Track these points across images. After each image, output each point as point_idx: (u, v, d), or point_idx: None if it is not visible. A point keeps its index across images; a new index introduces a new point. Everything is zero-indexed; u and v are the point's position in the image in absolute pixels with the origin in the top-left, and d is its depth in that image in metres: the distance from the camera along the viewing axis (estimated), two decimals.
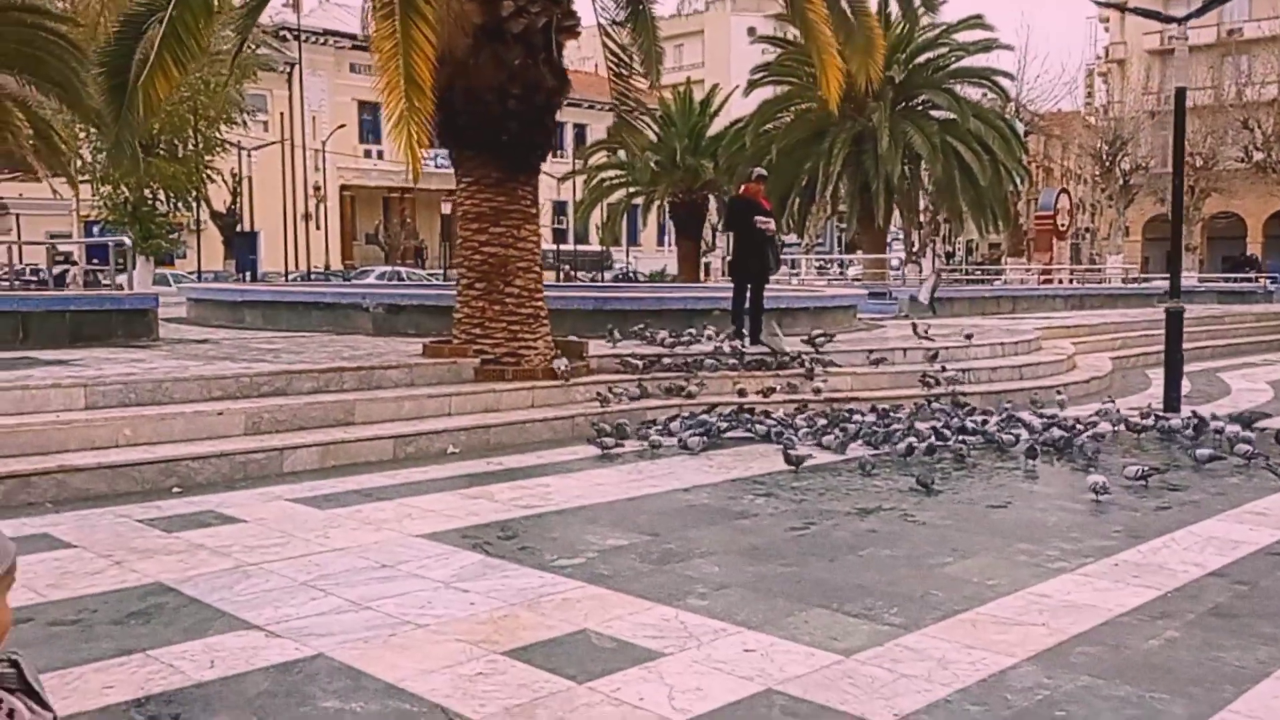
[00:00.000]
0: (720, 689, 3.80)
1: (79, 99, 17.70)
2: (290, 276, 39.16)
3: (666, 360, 10.81)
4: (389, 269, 41.56)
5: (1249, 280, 34.50)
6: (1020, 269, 37.46)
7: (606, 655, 4.12)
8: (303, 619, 4.51)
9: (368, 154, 54.50)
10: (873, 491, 7.28)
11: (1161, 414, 10.13)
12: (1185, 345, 19.20)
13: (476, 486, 7.22)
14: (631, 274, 40.23)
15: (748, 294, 11.74)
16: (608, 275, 41.26)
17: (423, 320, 13.04)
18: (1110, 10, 58.51)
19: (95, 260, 33.01)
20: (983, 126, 27.64)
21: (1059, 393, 12.08)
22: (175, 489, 7.01)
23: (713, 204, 34.93)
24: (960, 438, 8.73)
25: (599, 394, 9.81)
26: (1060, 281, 35.68)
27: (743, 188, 12.17)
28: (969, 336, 13.29)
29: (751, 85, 31.03)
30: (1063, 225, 36.67)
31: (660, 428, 9.02)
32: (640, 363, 10.65)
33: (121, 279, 27.13)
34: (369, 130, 54.62)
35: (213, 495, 6.84)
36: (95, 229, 39.78)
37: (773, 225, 11.79)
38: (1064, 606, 4.77)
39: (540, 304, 10.35)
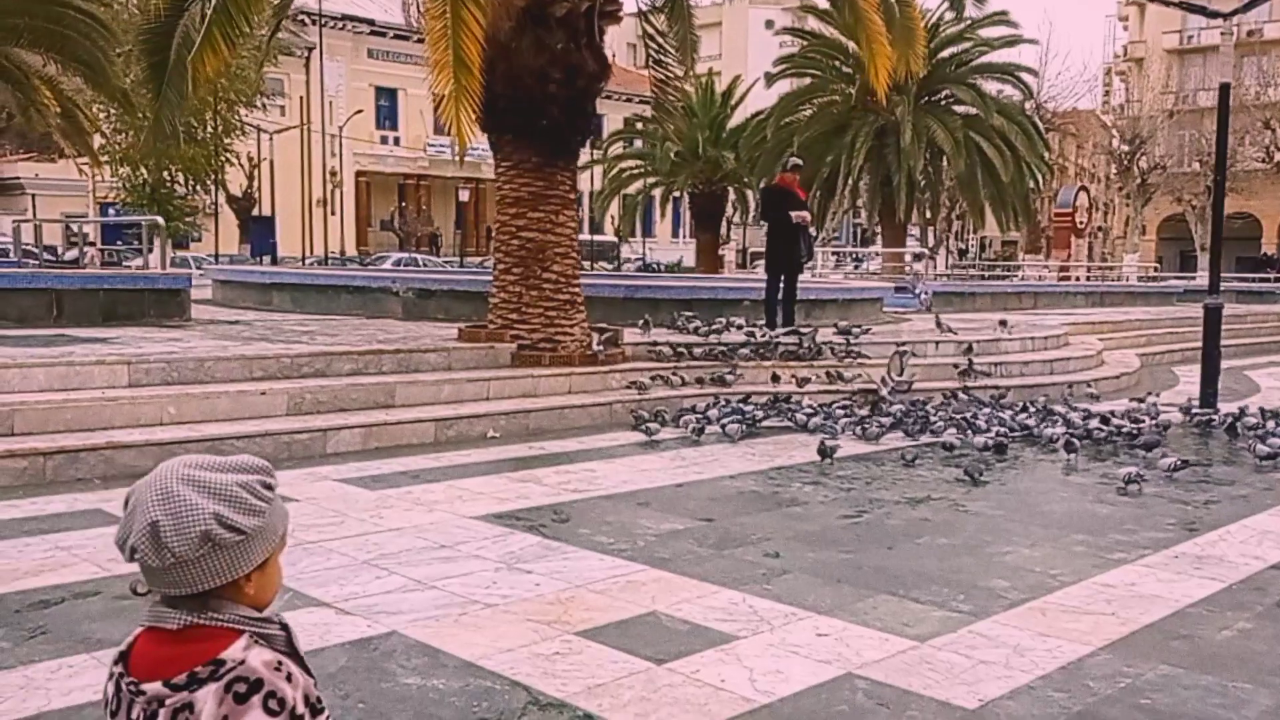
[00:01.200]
0: (800, 672, 3.79)
1: (106, 78, 17.71)
2: (306, 262, 39.18)
3: (700, 349, 10.78)
4: (405, 255, 41.52)
5: (1267, 280, 34.28)
6: (1038, 265, 37.35)
7: (680, 637, 4.11)
8: (370, 597, 4.50)
9: (384, 140, 54.43)
10: (919, 481, 7.25)
11: (1201, 410, 10.06)
12: (1200, 344, 19.21)
13: (523, 470, 7.21)
14: (654, 265, 40.17)
15: (781, 284, 11.70)
16: (628, 266, 41.27)
17: (453, 305, 13.02)
18: (1131, 8, 58.28)
19: (118, 242, 33.06)
20: (1006, 122, 27.52)
21: (1090, 386, 12.04)
22: None
23: (732, 196, 34.88)
24: (1001, 430, 8.69)
25: (635, 381, 9.79)
26: (1077, 279, 35.55)
27: (777, 177, 12.13)
28: (1003, 323, 13.21)
29: (773, 78, 30.92)
30: (1081, 223, 36.52)
31: (699, 416, 9.00)
32: (674, 351, 10.62)
33: (145, 259, 27.27)
34: (385, 116, 54.58)
35: None
36: (111, 210, 39.86)
37: (808, 216, 11.74)
38: (1131, 597, 4.74)
39: (577, 290, 10.32)
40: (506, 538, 5.46)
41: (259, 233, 44.22)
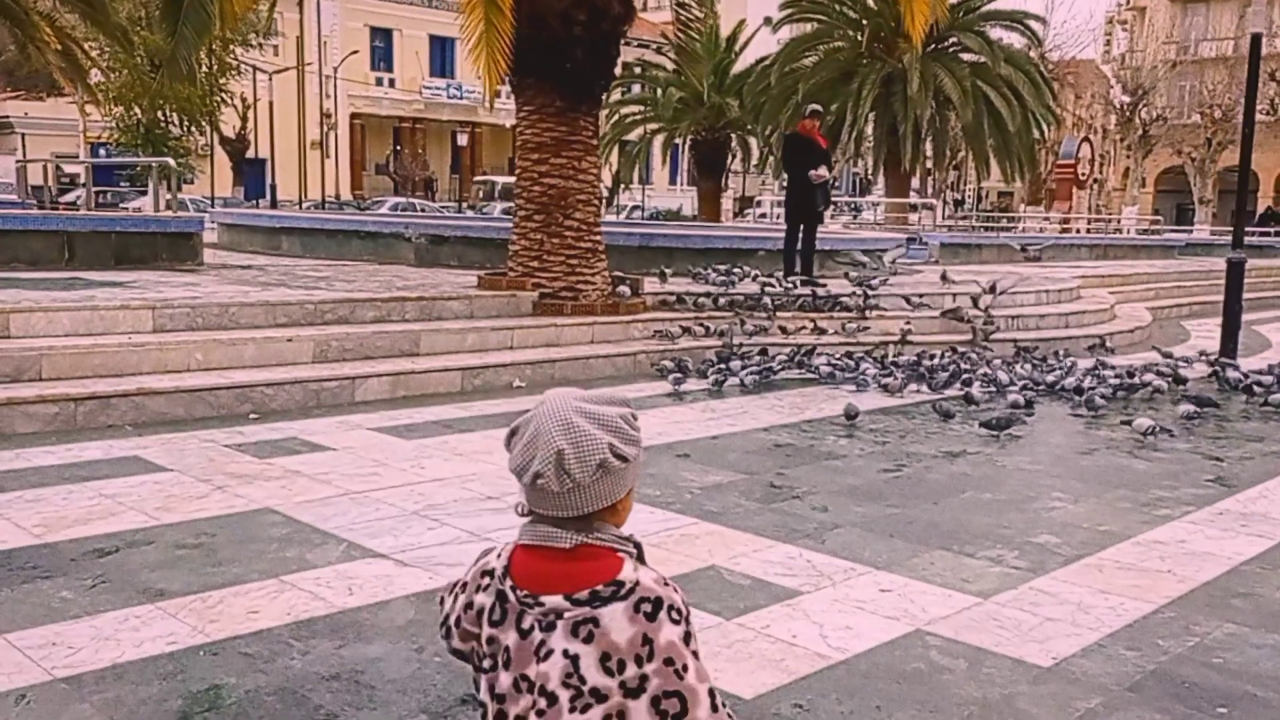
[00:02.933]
0: (870, 628, 3.78)
1: (105, 14, 17.37)
2: (303, 206, 38.79)
3: (721, 299, 10.72)
4: (402, 200, 41.12)
5: (1267, 234, 34.21)
6: (1039, 217, 37.21)
7: (745, 592, 4.09)
8: (427, 549, 4.47)
9: (379, 82, 53.73)
10: (952, 435, 7.24)
11: (1227, 362, 10.01)
12: (1210, 298, 19.20)
13: None
14: (659, 213, 39.80)
15: (800, 234, 11.61)
16: (635, 214, 40.83)
17: (466, 252, 12.91)
18: None
19: (121, 183, 32.63)
20: (1014, 71, 27.21)
21: (1106, 341, 12.02)
22: (252, 415, 6.95)
23: (734, 143, 34.55)
24: (1026, 384, 8.67)
25: (658, 331, 9.74)
26: (1079, 231, 35.44)
27: (799, 125, 11.98)
28: (992, 289, 12.48)
29: (777, 23, 30.50)
30: (1083, 175, 36.34)
31: (722, 367, 8.96)
32: (694, 302, 10.56)
33: (143, 202, 26.96)
34: (381, 58, 53.83)
35: (292, 422, 6.78)
36: (102, 151, 39.37)
37: (826, 174, 11.61)
38: (1184, 554, 4.74)
39: (599, 238, 10.22)
40: None
41: (253, 175, 43.79)
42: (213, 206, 30.16)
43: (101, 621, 3.61)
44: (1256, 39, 10.13)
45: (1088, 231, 35.96)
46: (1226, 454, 6.89)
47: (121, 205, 28.11)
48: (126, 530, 4.56)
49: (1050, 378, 9.03)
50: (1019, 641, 3.72)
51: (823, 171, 11.46)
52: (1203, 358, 10.47)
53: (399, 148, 54.80)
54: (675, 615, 1.57)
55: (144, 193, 27.88)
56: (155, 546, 4.38)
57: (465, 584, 1.68)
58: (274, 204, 36.49)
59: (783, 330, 10.31)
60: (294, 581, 4.03)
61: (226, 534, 4.57)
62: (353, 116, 52.99)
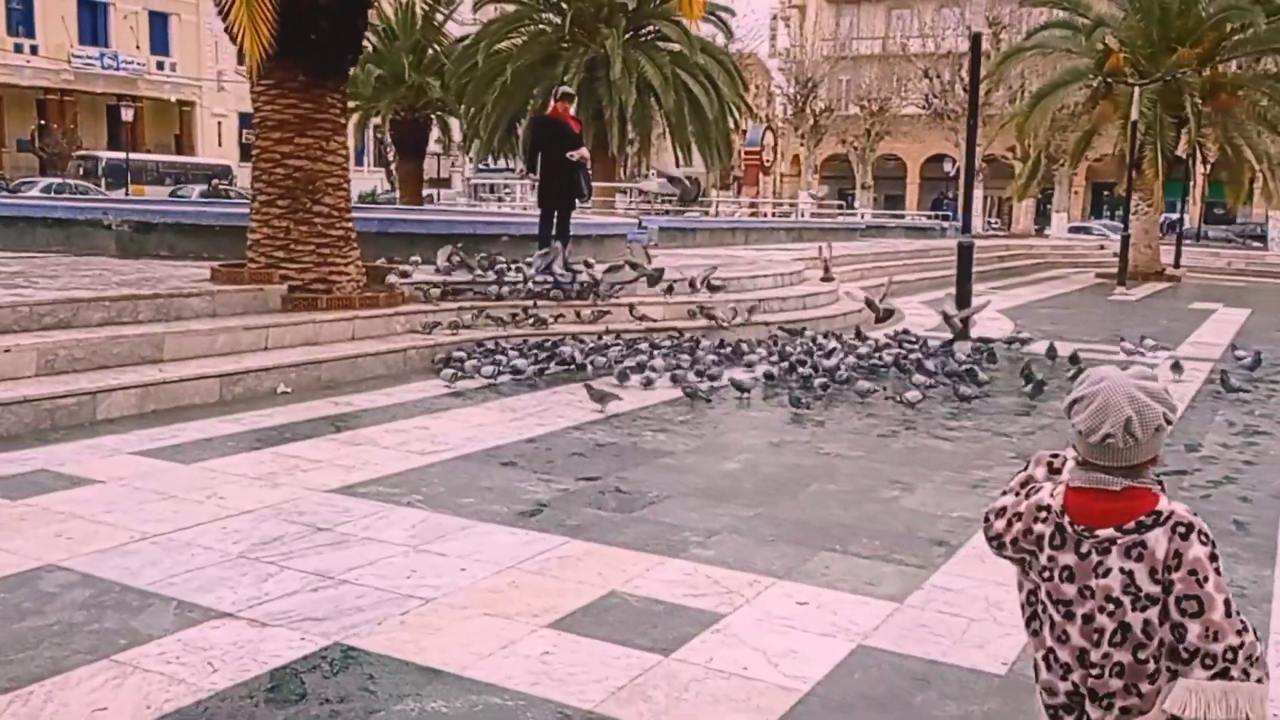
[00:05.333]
0: (813, 649, 3.53)
1: None
2: None
3: (491, 289, 10.18)
4: (57, 181, 36.72)
5: (941, 218, 37.62)
6: (730, 202, 38.86)
7: (663, 619, 3.73)
8: (275, 601, 3.76)
9: (19, 48, 47.80)
10: (758, 421, 7.18)
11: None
12: (908, 277, 20.68)
13: (347, 430, 6.43)
14: (358, 195, 37.76)
15: (554, 219, 11.24)
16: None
17: (178, 241, 11.54)
18: None
19: None
20: (710, 60, 28.09)
21: (859, 326, 12.50)
22: None
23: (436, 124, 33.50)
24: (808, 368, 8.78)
25: (425, 324, 9.09)
26: (766, 215, 37.34)
27: (550, 108, 11.57)
28: (711, 286, 12.34)
29: (479, 3, 29.85)
30: (768, 161, 38.29)
31: (499, 360, 8.47)
32: (452, 290, 9.95)
33: None
34: (19, 21, 47.87)
35: (29, 450, 5.65)
36: None
37: (585, 154, 11.29)
38: None
39: (350, 225, 9.38)
40: (387, 515, 4.79)
41: None
42: None
43: None
44: (976, 38, 10.83)
45: (773, 215, 37.97)
46: (1008, 429, 7.25)
47: None
48: None
49: (824, 361, 9.20)
50: (961, 648, 3.60)
51: (584, 152, 11.14)
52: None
53: (45, 122, 49.07)
54: (1203, 538, 1.92)
55: None
56: None
57: (1020, 514, 2.07)
58: None
59: (541, 320, 9.90)
60: (133, 661, 3.23)
61: (10, 605, 3.64)
62: None
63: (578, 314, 10.25)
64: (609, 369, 8.55)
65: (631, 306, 10.48)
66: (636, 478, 5.60)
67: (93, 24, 50.14)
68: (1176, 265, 27.21)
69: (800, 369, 8.63)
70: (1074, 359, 9.70)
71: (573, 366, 8.68)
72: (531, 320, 9.79)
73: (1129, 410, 1.94)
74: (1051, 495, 2.04)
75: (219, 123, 52.52)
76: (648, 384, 8.10)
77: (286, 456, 5.77)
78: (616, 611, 3.79)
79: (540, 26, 28.73)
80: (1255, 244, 39.10)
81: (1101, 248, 31.35)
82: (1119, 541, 1.94)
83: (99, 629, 3.45)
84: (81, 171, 42.97)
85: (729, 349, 9.54)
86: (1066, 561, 2.00)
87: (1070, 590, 2.00)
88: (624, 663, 3.36)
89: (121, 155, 44.35)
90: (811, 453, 6.36)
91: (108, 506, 4.72)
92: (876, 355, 9.52)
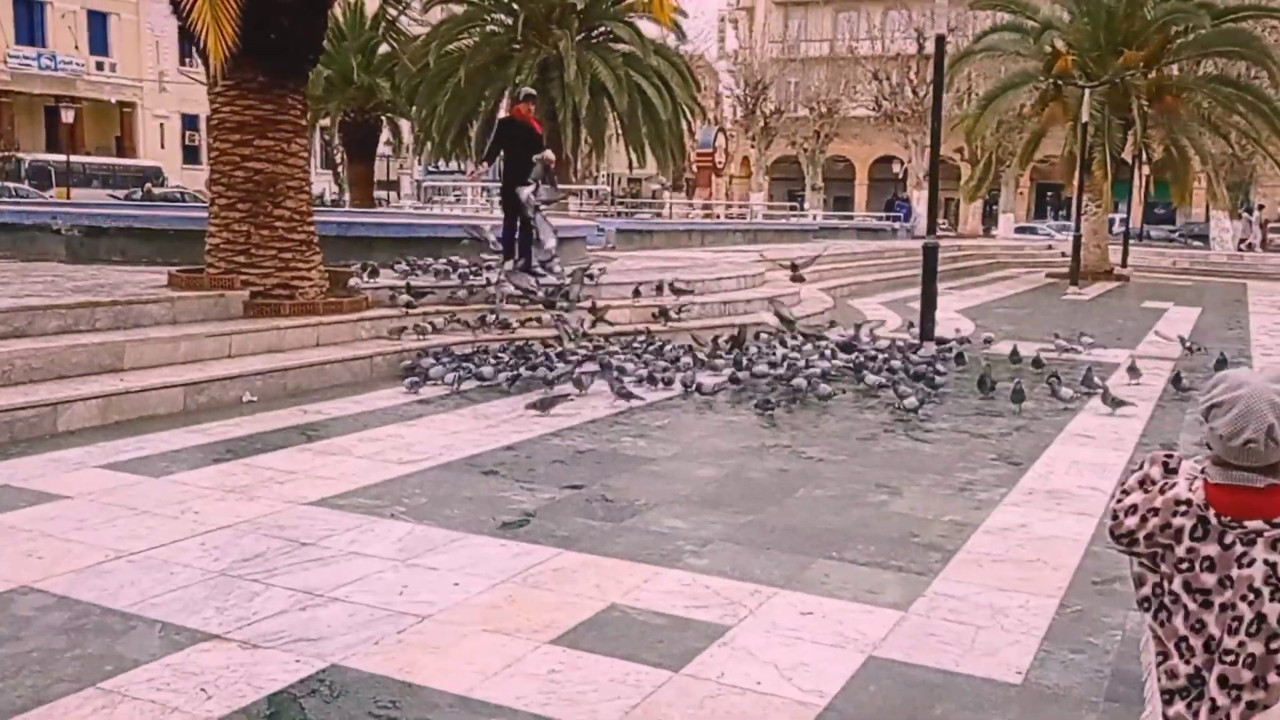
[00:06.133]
0: (825, 661, 3.46)
1: None
2: None
3: (457, 292, 10.02)
4: None
5: (892, 220, 37.91)
6: (683, 203, 38.86)
7: (667, 633, 3.64)
8: (265, 621, 3.62)
9: None
10: (735, 425, 7.12)
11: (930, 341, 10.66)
12: (864, 278, 20.76)
13: (320, 441, 6.26)
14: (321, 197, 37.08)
15: (518, 223, 11.08)
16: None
17: (130, 246, 11.22)
18: None
19: None
20: (663, 62, 28.04)
21: (828, 324, 12.47)
22: None
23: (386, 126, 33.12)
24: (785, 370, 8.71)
25: (391, 329, 8.91)
26: (719, 216, 37.40)
27: (513, 109, 11.42)
28: (676, 291, 12.27)
29: (428, 3, 29.54)
30: (720, 163, 38.34)
31: (471, 367, 8.32)
32: (417, 294, 9.77)
33: None
34: None
35: None
36: None
37: (551, 156, 11.16)
38: (1036, 540, 4.83)
39: (312, 229, 9.17)
40: (373, 527, 4.65)
41: None
42: None
43: None
44: (940, 39, 10.85)
45: (727, 216, 38.03)
46: (985, 430, 7.25)
47: None
48: None
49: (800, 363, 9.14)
50: (972, 657, 3.54)
51: (549, 154, 11.00)
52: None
53: None
54: None
55: None
56: None
57: (1155, 509, 2.10)
58: None
59: (506, 325, 9.76)
60: (121, 689, 3.08)
61: None
62: None
63: (539, 320, 10.11)
64: (571, 375, 8.43)
65: (595, 308, 10.36)
66: (621, 485, 5.50)
67: (30, 23, 48.95)
68: (1124, 265, 27.65)
69: (774, 370, 8.56)
70: (1037, 362, 9.73)
71: (540, 371, 8.55)
72: (498, 324, 9.64)
73: (1271, 417, 2.01)
74: (1190, 490, 2.11)
75: (161, 124, 51.46)
76: (620, 389, 8.00)
77: (260, 468, 5.59)
78: (619, 625, 3.69)
79: (491, 28, 28.51)
80: (1196, 243, 39.87)
81: (1050, 248, 31.80)
82: (1266, 534, 2.02)
83: (81, 654, 3.29)
84: (3, 174, 41.81)
85: (692, 351, 9.44)
86: (1208, 552, 2.06)
87: (1210, 580, 2.06)
88: (634, 679, 3.27)
89: (46, 157, 43.28)
90: (794, 457, 6.30)
91: (78, 524, 4.53)
92: (835, 357, 9.48)
